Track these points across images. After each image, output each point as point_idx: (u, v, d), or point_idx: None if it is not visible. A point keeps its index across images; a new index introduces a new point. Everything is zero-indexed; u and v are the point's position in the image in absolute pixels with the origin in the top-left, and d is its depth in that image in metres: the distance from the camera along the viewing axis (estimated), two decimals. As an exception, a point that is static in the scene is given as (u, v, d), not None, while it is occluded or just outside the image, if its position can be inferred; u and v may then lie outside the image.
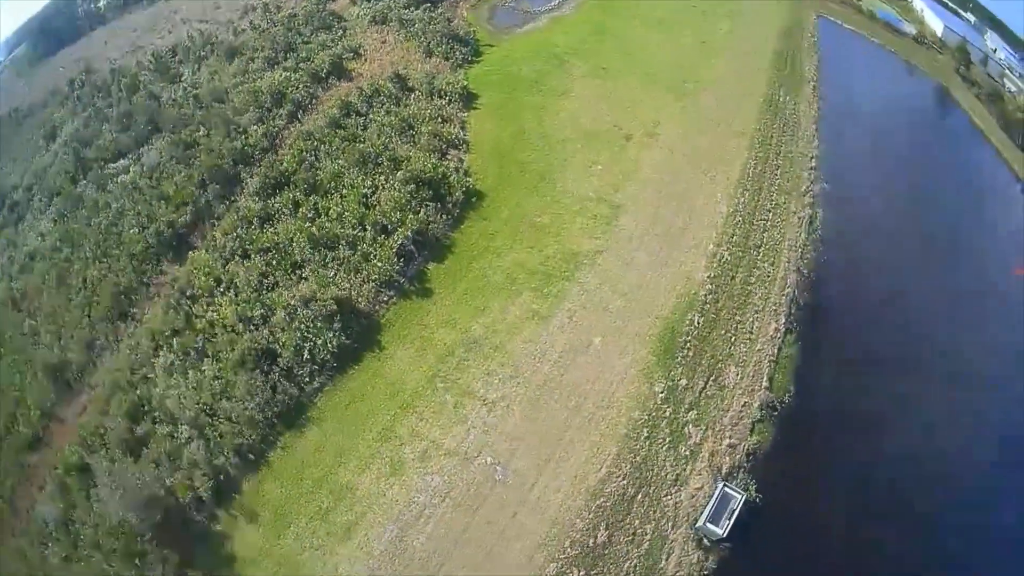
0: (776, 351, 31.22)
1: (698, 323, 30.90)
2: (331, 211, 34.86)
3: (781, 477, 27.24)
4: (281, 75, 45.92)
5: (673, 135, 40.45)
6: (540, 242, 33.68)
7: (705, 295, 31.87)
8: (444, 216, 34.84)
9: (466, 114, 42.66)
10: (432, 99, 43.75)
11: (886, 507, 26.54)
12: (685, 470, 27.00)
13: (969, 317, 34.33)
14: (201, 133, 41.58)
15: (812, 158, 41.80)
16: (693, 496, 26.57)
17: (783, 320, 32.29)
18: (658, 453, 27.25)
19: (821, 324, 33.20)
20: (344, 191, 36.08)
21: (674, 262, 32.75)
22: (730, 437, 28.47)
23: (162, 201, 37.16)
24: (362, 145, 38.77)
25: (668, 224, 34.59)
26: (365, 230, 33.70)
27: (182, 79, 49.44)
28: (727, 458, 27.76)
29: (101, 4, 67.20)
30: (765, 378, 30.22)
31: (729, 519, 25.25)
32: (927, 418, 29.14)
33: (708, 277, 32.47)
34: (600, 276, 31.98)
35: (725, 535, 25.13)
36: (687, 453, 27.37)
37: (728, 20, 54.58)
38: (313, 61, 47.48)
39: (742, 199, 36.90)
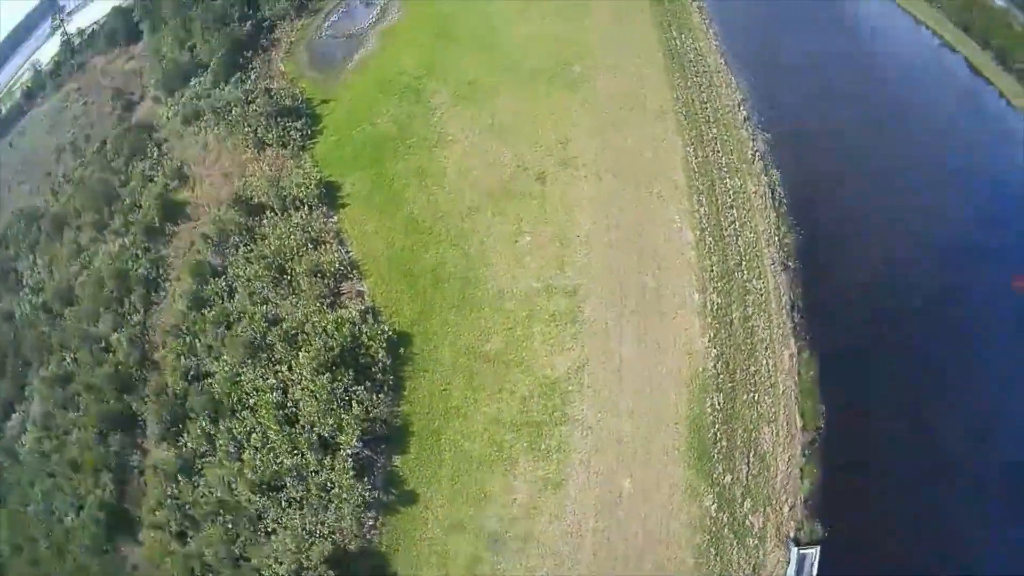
0: (797, 379, 25.76)
1: (719, 403, 24.47)
2: (252, 438, 25.38)
3: (844, 504, 23.61)
4: (115, 245, 34.20)
5: (590, 150, 30.52)
6: (506, 381, 25.02)
7: (715, 365, 25.01)
8: (380, 394, 25.40)
9: (336, 218, 31.20)
10: (289, 215, 31.96)
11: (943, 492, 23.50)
12: (759, 556, 23.17)
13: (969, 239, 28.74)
14: (67, 360, 31.40)
15: (740, 106, 33.29)
16: (772, 573, 23.06)
17: (793, 342, 26.40)
18: (731, 559, 22.85)
19: (827, 313, 27.26)
20: (252, 401, 26.23)
21: (666, 340, 25.18)
22: (787, 501, 24.31)
23: (76, 473, 27.99)
24: (241, 327, 28.02)
25: (639, 289, 26.32)
26: (303, 455, 24.44)
27: (23, 282, 36.71)
28: (791, 522, 23.89)
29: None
30: (797, 419, 25.20)
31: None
32: (965, 402, 24.98)
33: (709, 340, 25.36)
34: (596, 402, 24.17)
35: (813, 590, 22.84)
36: (755, 542, 23.15)
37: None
38: (140, 208, 35.46)
39: (701, 209, 28.71)
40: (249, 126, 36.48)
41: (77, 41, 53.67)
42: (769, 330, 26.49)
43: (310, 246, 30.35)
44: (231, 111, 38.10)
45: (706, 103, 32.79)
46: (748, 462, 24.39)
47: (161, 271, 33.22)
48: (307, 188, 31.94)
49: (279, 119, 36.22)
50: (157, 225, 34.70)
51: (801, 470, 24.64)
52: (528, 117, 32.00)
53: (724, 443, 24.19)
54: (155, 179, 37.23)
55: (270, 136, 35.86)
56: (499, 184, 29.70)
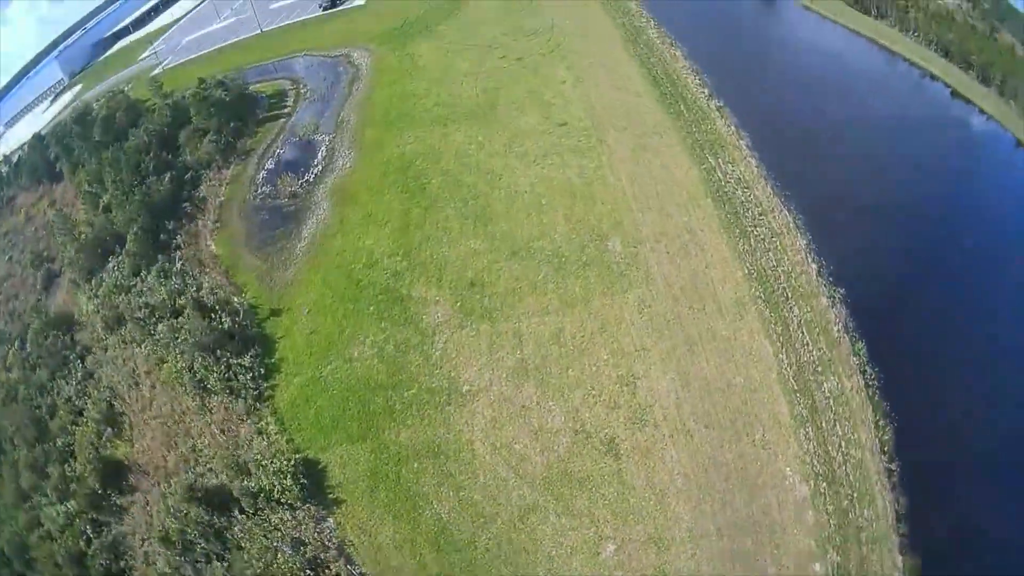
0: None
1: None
2: None
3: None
4: (60, 512, 25.36)
5: (667, 390, 21.18)
6: None
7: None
8: None
9: (331, 519, 20.92)
10: (264, 516, 21.58)
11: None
12: None
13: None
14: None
15: (808, 257, 24.42)
16: None
17: (901, 559, 19.51)
18: None
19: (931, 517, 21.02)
20: None
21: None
22: None
23: None
24: None
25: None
26: None
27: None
28: None
29: None
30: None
31: None
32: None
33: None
34: None
35: None
36: None
37: (559, 65, 32.69)
38: (75, 458, 26.74)
39: (809, 445, 20.53)
40: (184, 357, 25.74)
41: (5, 170, 49.88)
42: (881, 561, 20.24)
43: (309, 571, 21.13)
44: (157, 325, 27.97)
45: (776, 266, 24.12)
46: None
47: (124, 561, 23.86)
48: (282, 480, 21.47)
49: (219, 353, 25.24)
50: (99, 491, 25.55)
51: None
52: (570, 342, 22.03)
53: None
54: (84, 414, 28.49)
55: (213, 379, 25.06)
56: (555, 465, 20.18)
